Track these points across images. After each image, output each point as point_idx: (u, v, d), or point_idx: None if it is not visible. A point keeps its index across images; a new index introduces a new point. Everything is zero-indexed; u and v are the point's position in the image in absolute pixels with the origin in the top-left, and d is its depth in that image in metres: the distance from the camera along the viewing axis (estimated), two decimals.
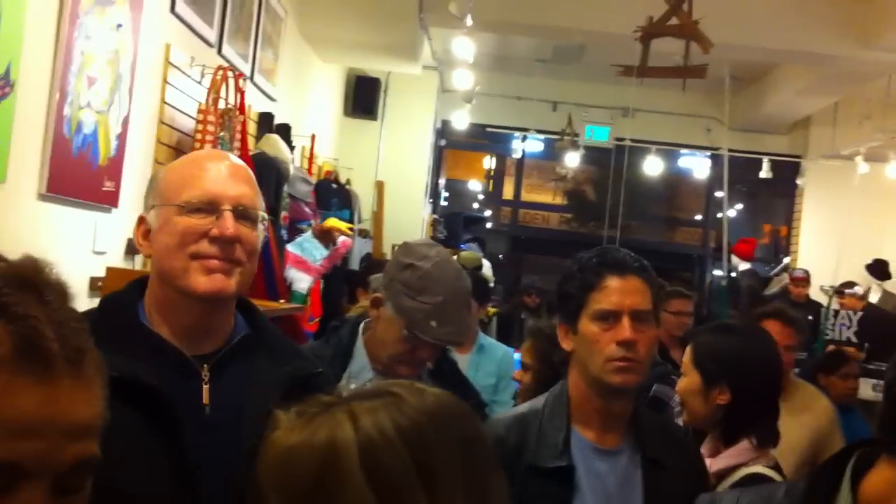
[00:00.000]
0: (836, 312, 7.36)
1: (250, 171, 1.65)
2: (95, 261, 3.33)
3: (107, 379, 0.89)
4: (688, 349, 2.44)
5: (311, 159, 6.79)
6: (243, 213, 1.53)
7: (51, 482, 0.81)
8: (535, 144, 11.04)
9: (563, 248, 17.40)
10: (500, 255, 17.28)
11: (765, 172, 10.19)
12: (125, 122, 3.49)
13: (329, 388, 1.77)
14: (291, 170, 5.29)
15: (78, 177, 3.16)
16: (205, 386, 1.52)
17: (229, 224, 1.50)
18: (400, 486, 0.91)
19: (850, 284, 8.31)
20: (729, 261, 9.63)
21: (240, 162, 1.66)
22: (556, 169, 13.50)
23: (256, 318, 1.66)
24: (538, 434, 1.95)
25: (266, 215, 1.64)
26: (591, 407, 1.96)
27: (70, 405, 0.82)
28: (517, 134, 11.12)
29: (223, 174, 1.55)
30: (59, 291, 0.87)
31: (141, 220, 1.59)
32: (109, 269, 3.34)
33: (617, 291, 1.91)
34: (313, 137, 6.70)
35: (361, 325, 2.35)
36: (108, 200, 3.37)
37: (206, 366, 1.53)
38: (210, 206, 1.51)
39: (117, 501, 0.92)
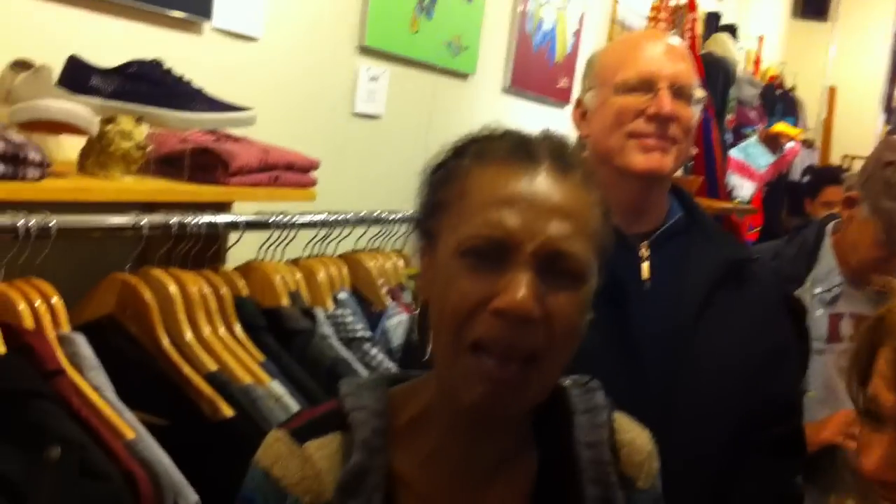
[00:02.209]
0: None
1: (687, 50, 1.61)
2: None
3: (600, 198, 0.96)
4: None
5: (757, 63, 6.45)
6: (679, 91, 1.50)
7: (537, 266, 0.87)
8: None
9: None
10: None
11: None
12: (581, 19, 3.52)
13: (771, 277, 1.71)
14: (738, 72, 5.06)
15: (537, 73, 3.26)
16: (644, 263, 1.52)
17: (666, 102, 1.48)
18: None
19: None
20: None
21: (676, 40, 1.62)
22: None
23: (691, 204, 1.64)
24: None
25: (703, 95, 1.58)
26: None
27: (553, 191, 0.90)
28: None
29: (659, 53, 1.53)
30: None
31: (578, 103, 1.61)
32: None
33: None
34: (761, 39, 6.35)
35: (830, 226, 2.18)
36: (562, 97, 3.45)
37: (644, 243, 1.53)
38: (646, 85, 1.49)
39: (578, 358, 0.94)
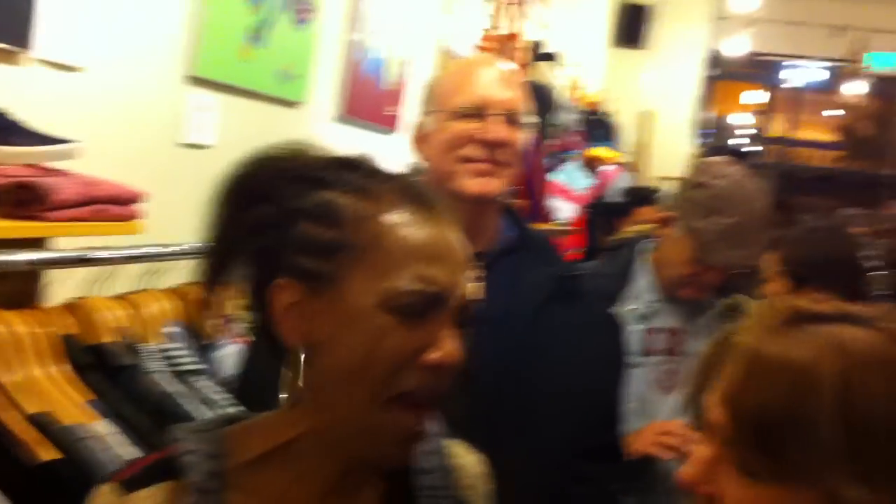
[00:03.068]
0: None
1: (519, 76, 1.71)
2: None
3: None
4: (773, 256, 2.35)
5: (577, 89, 6.73)
6: (511, 118, 1.57)
7: (456, 317, 0.91)
8: (811, 74, 10.32)
9: (838, 188, 16.30)
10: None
11: None
12: (410, 48, 3.60)
13: (594, 295, 1.81)
14: (560, 99, 5.27)
15: (367, 101, 3.30)
16: (479, 283, 1.57)
17: (497, 128, 1.55)
18: (878, 448, 0.79)
19: None
20: None
21: (511, 67, 1.70)
22: (832, 101, 12.59)
23: (522, 224, 1.72)
24: None
25: (532, 120, 1.67)
26: None
27: (459, 240, 0.94)
28: (793, 63, 10.43)
29: (492, 80, 1.60)
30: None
31: (418, 126, 1.66)
32: None
33: None
34: (580, 67, 6.63)
35: (644, 245, 2.31)
36: (390, 124, 3.51)
37: (480, 264, 1.58)
38: (479, 111, 1.56)
39: None
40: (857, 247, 2.39)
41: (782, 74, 10.83)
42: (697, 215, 2.11)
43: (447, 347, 0.88)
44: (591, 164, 5.46)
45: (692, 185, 2.16)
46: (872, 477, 0.78)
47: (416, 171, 1.65)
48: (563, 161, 5.21)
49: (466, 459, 1.07)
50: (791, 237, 2.60)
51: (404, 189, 0.94)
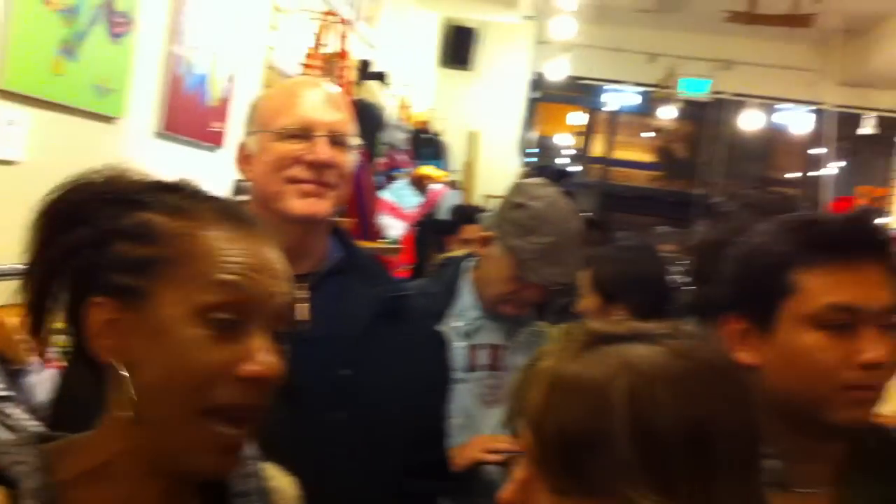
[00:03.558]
0: None
1: (344, 98, 1.71)
2: None
3: None
4: (587, 273, 2.57)
5: (406, 108, 6.81)
6: (336, 139, 1.59)
7: (271, 329, 0.91)
8: (629, 98, 10.85)
9: (655, 206, 17.15)
10: (590, 213, 17.09)
11: (868, 129, 9.84)
12: (235, 63, 3.55)
13: (420, 314, 1.84)
14: (387, 118, 5.32)
15: (189, 117, 3.23)
16: (303, 304, 1.57)
17: (323, 150, 1.56)
18: (669, 457, 0.83)
19: None
20: None
21: (334, 89, 1.71)
22: (649, 123, 13.26)
23: (350, 244, 1.73)
24: None
25: (359, 141, 1.69)
26: None
27: (274, 254, 0.95)
28: (611, 87, 10.93)
29: (317, 101, 1.61)
30: None
31: (241, 147, 1.65)
32: None
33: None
34: (408, 87, 6.71)
35: (467, 264, 2.37)
36: (215, 141, 3.45)
37: (303, 284, 1.58)
38: (305, 132, 1.57)
39: None
40: (664, 265, 2.54)
41: (601, 98, 11.30)
42: (516, 235, 2.17)
43: (261, 360, 0.88)
44: (420, 183, 5.53)
45: (511, 205, 2.23)
46: (670, 487, 0.82)
47: (242, 189, 1.64)
48: (392, 179, 5.26)
49: (281, 482, 1.07)
50: (602, 256, 2.74)
51: (221, 208, 0.95)
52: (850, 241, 1.18)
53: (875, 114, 9.83)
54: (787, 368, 1.18)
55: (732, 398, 0.86)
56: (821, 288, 1.16)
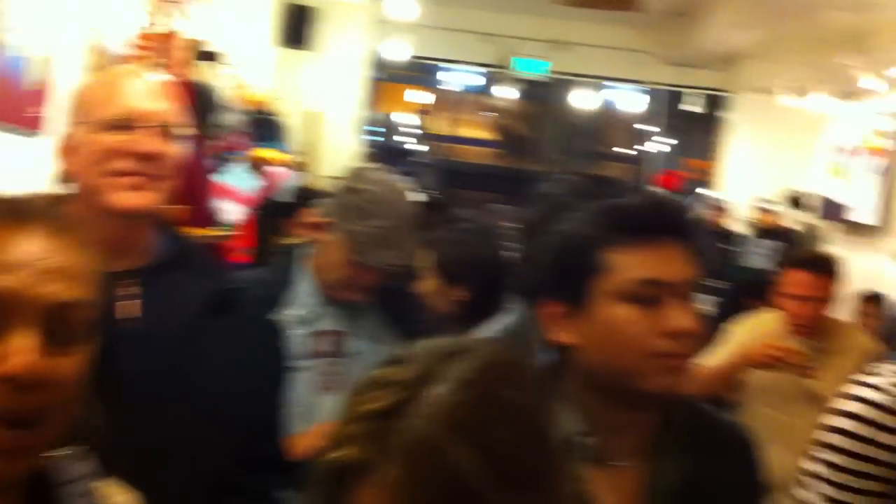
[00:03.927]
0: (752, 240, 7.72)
1: (172, 87, 1.67)
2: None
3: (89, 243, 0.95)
4: (428, 253, 2.64)
5: (242, 89, 6.67)
6: (162, 129, 1.55)
7: (43, 327, 0.86)
8: (469, 78, 10.98)
9: (496, 183, 17.48)
10: (434, 191, 17.25)
11: (694, 106, 10.32)
12: (55, 44, 3.38)
13: (252, 304, 1.82)
14: (223, 99, 5.20)
15: (4, 100, 3.07)
16: (133, 300, 1.55)
17: (148, 141, 1.52)
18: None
19: (770, 202, 8.62)
20: None
21: (162, 78, 1.68)
22: (489, 102, 13.47)
23: (180, 237, 1.70)
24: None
25: (189, 131, 1.66)
26: None
27: (48, 249, 0.89)
28: (451, 67, 11.03)
29: (142, 90, 1.56)
30: None
31: (65, 137, 1.59)
32: None
33: None
34: (245, 66, 6.57)
35: (302, 250, 2.34)
36: (33, 126, 3.28)
37: (133, 280, 1.55)
38: (129, 124, 1.52)
39: None
40: (502, 248, 2.60)
41: (441, 77, 11.40)
42: (351, 219, 2.17)
43: (17, 358, 0.84)
44: (258, 165, 5.44)
45: (346, 190, 2.23)
46: None
47: (64, 182, 1.57)
48: (228, 162, 5.15)
49: (121, 499, 1.03)
50: (444, 238, 2.77)
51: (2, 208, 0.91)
52: (653, 222, 1.26)
53: (700, 92, 10.32)
54: (603, 343, 1.25)
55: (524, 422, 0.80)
56: (629, 265, 1.23)
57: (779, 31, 8.72)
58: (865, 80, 7.63)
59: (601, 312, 1.25)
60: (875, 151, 8.23)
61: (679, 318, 1.22)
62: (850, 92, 8.33)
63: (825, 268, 3.28)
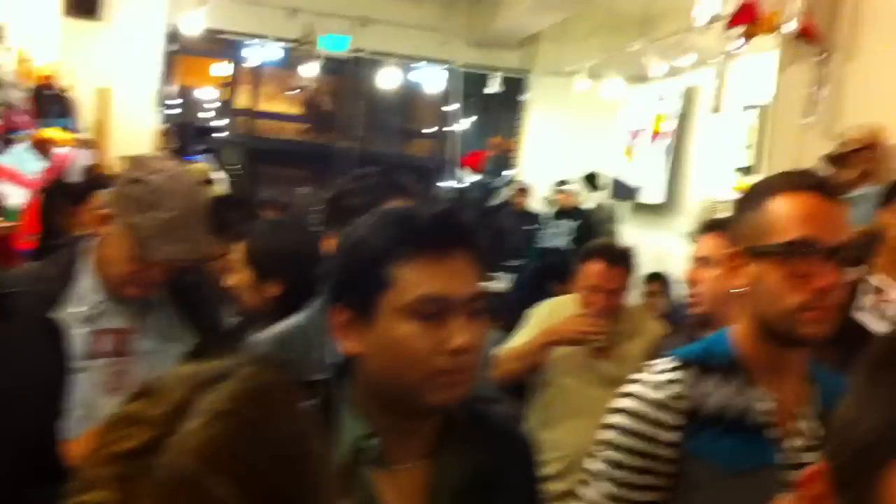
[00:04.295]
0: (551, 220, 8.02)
1: None
2: None
3: None
4: (239, 247, 2.61)
5: (25, 63, 6.24)
6: None
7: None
8: (272, 52, 10.76)
9: (302, 159, 17.25)
10: (236, 167, 16.84)
11: (494, 87, 10.55)
12: None
13: (29, 305, 1.71)
14: (3, 75, 4.86)
15: None
16: None
17: None
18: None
19: (565, 182, 8.98)
20: (457, 175, 10.02)
21: None
22: (293, 78, 13.26)
23: None
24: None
25: None
26: None
27: None
28: (254, 41, 10.76)
29: None
30: None
31: None
32: None
33: None
34: (28, 39, 6.16)
35: (84, 244, 2.22)
36: None
37: None
38: None
39: None
40: (314, 241, 2.56)
41: (244, 52, 11.10)
42: (135, 211, 2.07)
43: None
44: (43, 146, 5.12)
45: (128, 180, 2.12)
46: None
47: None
48: (9, 143, 4.82)
49: None
50: (256, 230, 2.71)
51: None
52: (439, 235, 1.26)
53: (500, 73, 10.56)
54: (386, 357, 1.25)
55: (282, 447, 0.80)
56: (414, 280, 1.23)
57: (574, 16, 9.04)
58: (653, 66, 8.03)
59: (385, 327, 1.25)
60: (660, 133, 8.70)
61: (461, 335, 1.23)
62: (639, 76, 8.75)
63: (619, 258, 3.45)
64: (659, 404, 1.53)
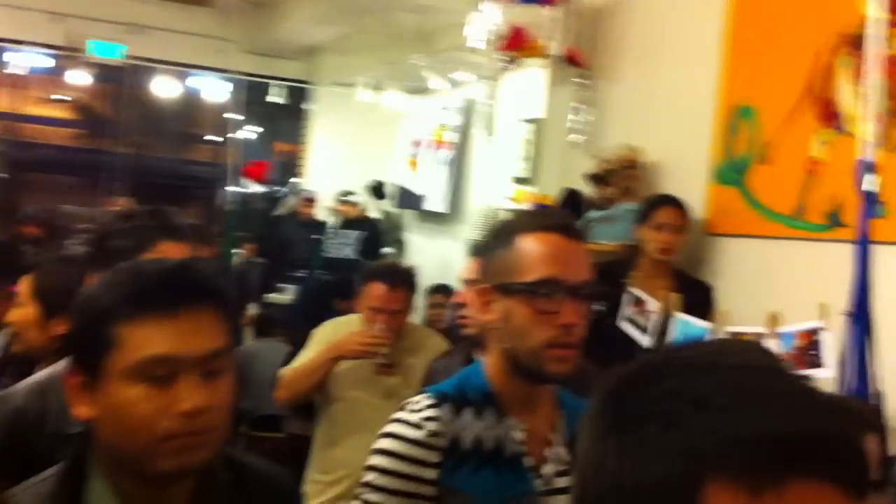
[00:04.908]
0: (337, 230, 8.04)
1: None
2: None
3: None
4: (27, 280, 2.46)
5: None
6: None
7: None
8: (37, 59, 10.14)
9: (75, 167, 16.34)
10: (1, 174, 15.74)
11: (276, 97, 10.44)
12: None
13: None
14: None
15: None
16: None
17: None
18: None
19: (349, 193, 9.03)
20: (241, 183, 9.86)
21: None
22: (63, 84, 12.58)
23: None
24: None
25: None
26: None
27: None
28: (14, 47, 10.11)
29: None
30: None
31: None
32: None
33: None
34: None
35: None
36: None
37: None
38: None
39: None
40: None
41: (7, 58, 10.40)
42: None
43: None
44: None
45: None
46: None
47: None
48: None
49: None
50: (44, 264, 2.54)
51: None
52: (169, 291, 1.20)
53: (282, 82, 10.47)
54: (113, 422, 1.19)
55: None
56: (140, 341, 1.17)
57: (356, 28, 9.10)
58: (432, 79, 8.21)
59: (111, 390, 1.19)
60: (443, 144, 8.91)
61: (191, 397, 1.17)
62: (420, 88, 8.92)
63: (400, 280, 3.50)
64: (418, 443, 1.55)
